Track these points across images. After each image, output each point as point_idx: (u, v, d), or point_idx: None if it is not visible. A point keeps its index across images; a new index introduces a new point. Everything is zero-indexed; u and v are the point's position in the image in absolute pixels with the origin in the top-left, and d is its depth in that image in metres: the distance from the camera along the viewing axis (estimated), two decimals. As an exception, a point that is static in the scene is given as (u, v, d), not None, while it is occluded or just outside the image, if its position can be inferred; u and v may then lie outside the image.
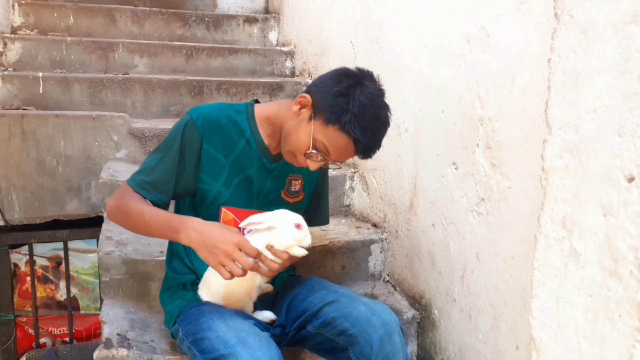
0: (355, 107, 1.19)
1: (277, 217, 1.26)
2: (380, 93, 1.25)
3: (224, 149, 1.34)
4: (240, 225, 1.27)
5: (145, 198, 1.29)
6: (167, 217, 1.24)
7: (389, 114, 1.27)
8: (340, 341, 1.29)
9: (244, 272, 1.16)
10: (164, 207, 1.32)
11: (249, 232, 1.26)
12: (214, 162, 1.33)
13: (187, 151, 1.30)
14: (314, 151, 1.24)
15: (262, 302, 1.43)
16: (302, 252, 1.26)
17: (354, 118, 1.19)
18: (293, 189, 1.45)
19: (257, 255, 1.17)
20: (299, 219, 1.27)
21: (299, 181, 1.45)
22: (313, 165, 1.27)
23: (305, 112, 1.25)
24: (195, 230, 1.17)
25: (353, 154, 1.26)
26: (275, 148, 1.38)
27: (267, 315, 1.39)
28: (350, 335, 1.27)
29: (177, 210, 1.43)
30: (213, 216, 1.34)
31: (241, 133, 1.36)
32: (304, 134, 1.24)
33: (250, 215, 1.28)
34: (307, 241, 1.26)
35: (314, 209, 1.55)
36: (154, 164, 1.31)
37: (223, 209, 1.35)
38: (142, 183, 1.30)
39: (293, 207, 1.36)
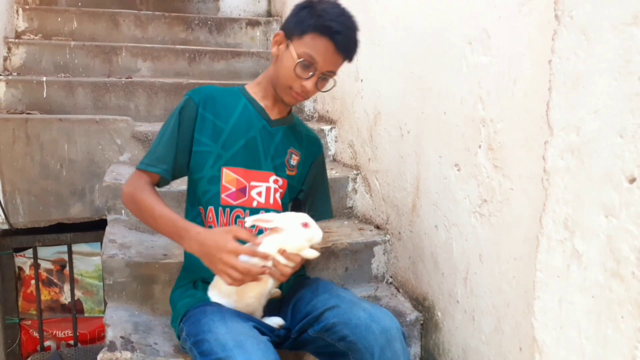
0: (318, 10, 1.30)
1: (284, 219, 1.27)
2: (338, 2, 1.35)
3: (222, 115, 1.42)
4: (246, 224, 1.28)
5: (153, 174, 1.38)
6: (174, 221, 1.28)
7: (354, 17, 1.35)
8: (341, 347, 1.28)
9: (246, 277, 1.18)
10: (169, 177, 1.40)
11: (265, 229, 1.28)
12: (212, 126, 1.41)
13: (184, 120, 1.39)
14: (300, 60, 1.30)
15: (269, 304, 1.43)
16: (314, 254, 1.27)
17: (320, 18, 1.29)
18: (292, 162, 1.49)
19: (254, 255, 1.20)
20: (304, 217, 1.28)
21: (297, 157, 1.50)
22: (309, 84, 1.33)
23: (283, 45, 1.36)
24: (196, 241, 1.24)
25: (335, 53, 1.32)
26: (272, 109, 1.46)
27: (275, 321, 1.39)
28: (350, 341, 1.26)
29: (188, 188, 1.48)
30: (216, 177, 1.40)
31: (237, 100, 1.46)
32: (288, 59, 1.33)
33: (256, 176, 1.37)
34: (319, 237, 1.28)
35: (317, 202, 1.59)
36: (157, 142, 1.41)
37: (224, 169, 1.40)
38: (150, 161, 1.39)
39: (289, 179, 1.46)
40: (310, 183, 1.57)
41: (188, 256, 1.48)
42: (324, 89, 1.39)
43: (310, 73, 1.32)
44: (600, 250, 0.93)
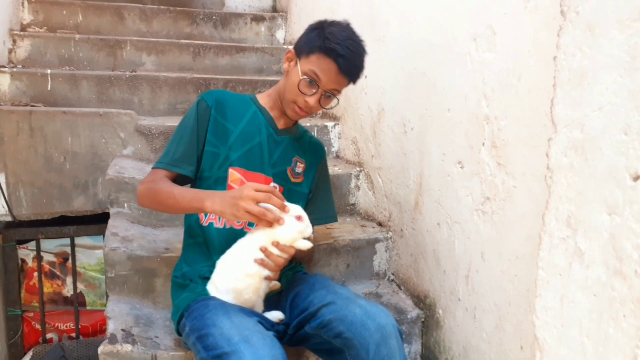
0: (327, 32, 1.37)
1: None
2: (350, 26, 1.42)
3: (232, 119, 1.48)
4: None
5: (177, 174, 1.43)
6: (195, 191, 1.37)
7: (362, 42, 1.42)
8: (337, 343, 1.28)
9: (260, 217, 1.23)
10: (194, 177, 1.46)
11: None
12: (222, 128, 1.47)
13: (200, 122, 1.45)
14: (304, 77, 1.38)
15: (268, 299, 1.43)
16: (307, 245, 1.29)
17: (327, 40, 1.36)
18: (297, 170, 1.55)
19: (268, 200, 1.24)
20: (299, 210, 1.30)
21: (303, 165, 1.56)
22: (312, 100, 1.40)
23: (293, 62, 1.44)
24: (218, 196, 1.28)
25: (339, 74, 1.38)
26: (279, 119, 1.53)
27: (276, 316, 1.39)
28: (345, 338, 1.25)
29: (191, 185, 1.50)
30: (222, 178, 1.45)
31: (248, 106, 1.53)
32: (294, 75, 1.41)
33: (256, 178, 1.45)
34: (309, 231, 1.31)
35: (321, 205, 1.60)
36: (176, 143, 1.45)
37: (230, 170, 1.46)
38: (171, 161, 1.43)
39: (294, 187, 1.52)
40: (315, 184, 1.60)
41: (187, 247, 1.50)
42: (327, 106, 1.47)
43: (314, 90, 1.40)
44: (603, 249, 0.92)
